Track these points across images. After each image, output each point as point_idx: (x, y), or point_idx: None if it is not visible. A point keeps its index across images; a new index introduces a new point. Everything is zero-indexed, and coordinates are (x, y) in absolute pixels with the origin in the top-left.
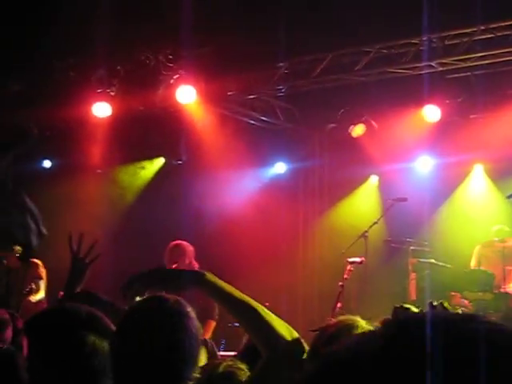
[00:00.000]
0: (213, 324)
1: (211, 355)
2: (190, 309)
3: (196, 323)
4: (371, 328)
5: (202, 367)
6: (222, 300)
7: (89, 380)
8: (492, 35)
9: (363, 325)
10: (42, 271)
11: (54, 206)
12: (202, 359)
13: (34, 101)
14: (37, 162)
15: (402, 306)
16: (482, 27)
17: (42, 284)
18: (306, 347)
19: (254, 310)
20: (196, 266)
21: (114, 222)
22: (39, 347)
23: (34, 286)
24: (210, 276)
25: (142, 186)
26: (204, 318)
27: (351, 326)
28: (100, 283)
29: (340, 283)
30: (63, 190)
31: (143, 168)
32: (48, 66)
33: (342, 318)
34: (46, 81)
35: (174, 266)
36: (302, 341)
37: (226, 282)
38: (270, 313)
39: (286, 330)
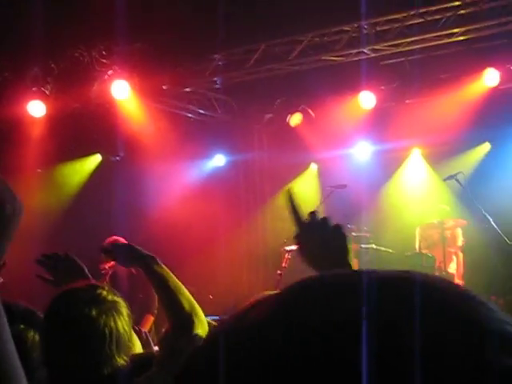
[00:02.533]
0: (151, 318)
1: (146, 346)
2: (119, 298)
3: (126, 310)
4: None
5: (136, 355)
6: (156, 280)
7: (28, 374)
8: (423, 20)
9: None
10: None
11: None
12: (137, 348)
13: None
14: None
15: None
16: (413, 12)
17: None
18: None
19: (176, 292)
20: None
21: (52, 221)
22: None
23: None
24: (156, 260)
25: (80, 184)
26: (143, 312)
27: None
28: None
29: (278, 272)
30: None
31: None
32: None
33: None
34: None
35: (110, 264)
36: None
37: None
38: (188, 295)
39: (191, 309)
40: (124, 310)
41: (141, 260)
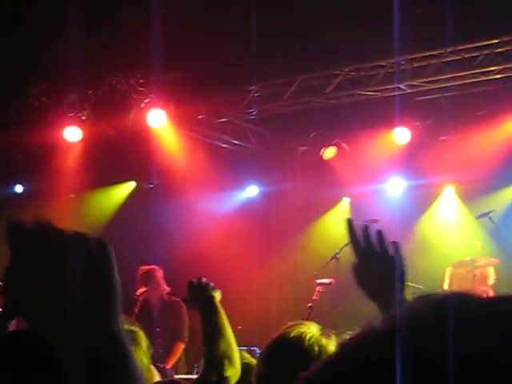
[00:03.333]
0: (182, 345)
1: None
2: (138, 328)
3: (145, 342)
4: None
5: None
6: (207, 324)
7: None
8: (460, 57)
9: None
10: None
11: None
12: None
13: (6, 125)
14: (8, 187)
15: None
16: (450, 49)
17: None
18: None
19: (219, 335)
20: (166, 289)
21: None
22: None
23: None
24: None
25: (114, 210)
26: (173, 339)
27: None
28: None
29: (309, 304)
30: (35, 215)
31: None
32: (21, 90)
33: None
34: (18, 105)
35: (142, 290)
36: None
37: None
38: (229, 338)
39: (226, 352)
40: (143, 341)
41: (202, 301)
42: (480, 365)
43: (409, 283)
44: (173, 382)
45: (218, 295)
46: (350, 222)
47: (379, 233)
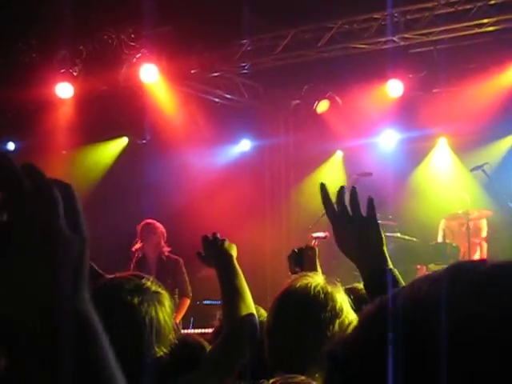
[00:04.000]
0: (187, 301)
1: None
2: (163, 290)
3: (169, 303)
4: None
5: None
6: (226, 284)
7: None
8: (453, 9)
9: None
10: None
11: None
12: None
13: None
14: (0, 145)
15: None
16: (443, 2)
17: None
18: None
19: (239, 295)
20: (166, 248)
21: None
22: None
23: None
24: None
25: (107, 166)
26: (179, 296)
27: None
28: None
29: None
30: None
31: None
32: (10, 47)
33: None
34: (7, 62)
35: (138, 245)
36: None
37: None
38: (250, 302)
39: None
40: (167, 302)
41: (220, 259)
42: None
43: (402, 236)
44: (192, 351)
45: (234, 252)
46: (323, 188)
47: (352, 195)
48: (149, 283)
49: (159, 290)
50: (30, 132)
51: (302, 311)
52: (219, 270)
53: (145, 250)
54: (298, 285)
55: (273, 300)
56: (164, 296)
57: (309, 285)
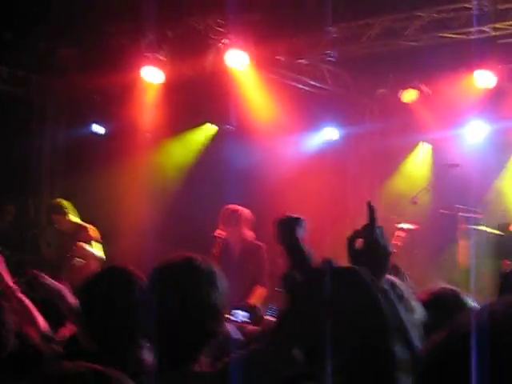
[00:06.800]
0: (262, 290)
1: (257, 320)
2: (216, 269)
3: (221, 283)
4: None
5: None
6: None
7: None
8: None
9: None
10: (92, 235)
11: (106, 170)
12: None
13: (84, 65)
14: (87, 127)
15: None
16: None
17: (90, 247)
18: None
19: None
20: (250, 233)
21: (168, 188)
22: None
23: (79, 250)
24: None
25: (196, 153)
26: (253, 283)
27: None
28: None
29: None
30: (114, 154)
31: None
32: (99, 31)
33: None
34: (96, 46)
35: (220, 231)
36: None
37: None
38: None
39: None
40: (219, 282)
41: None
42: None
43: (488, 229)
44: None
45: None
46: (370, 206)
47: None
48: (199, 262)
49: (212, 269)
50: (115, 115)
51: None
52: (289, 250)
53: (227, 235)
54: None
55: None
56: (216, 276)
57: None
